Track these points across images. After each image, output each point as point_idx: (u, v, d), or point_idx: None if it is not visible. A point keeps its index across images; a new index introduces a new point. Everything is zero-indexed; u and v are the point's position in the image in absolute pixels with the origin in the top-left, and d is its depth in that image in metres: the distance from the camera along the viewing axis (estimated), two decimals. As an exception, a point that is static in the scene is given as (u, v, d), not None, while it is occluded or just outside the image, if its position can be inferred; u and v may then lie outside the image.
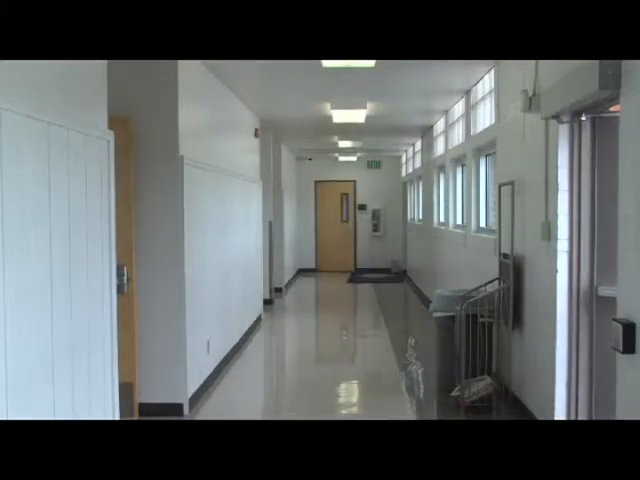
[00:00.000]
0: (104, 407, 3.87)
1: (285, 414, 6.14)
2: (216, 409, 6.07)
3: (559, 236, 4.57)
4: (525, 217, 5.51)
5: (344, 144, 14.39)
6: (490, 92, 7.20)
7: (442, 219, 11.07)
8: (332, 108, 9.16)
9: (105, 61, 3.95)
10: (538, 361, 5.15)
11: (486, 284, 6.31)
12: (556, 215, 4.59)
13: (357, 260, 18.52)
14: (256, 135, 10.29)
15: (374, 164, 18.37)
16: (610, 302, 3.73)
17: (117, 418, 4.03)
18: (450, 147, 10.03)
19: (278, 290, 12.94)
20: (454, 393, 5.97)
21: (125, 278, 5.20)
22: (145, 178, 5.61)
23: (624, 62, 3.24)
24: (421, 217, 13.81)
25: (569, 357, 4.56)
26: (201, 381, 6.34)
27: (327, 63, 6.41)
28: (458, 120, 9.35)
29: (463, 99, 8.85)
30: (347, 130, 11.85)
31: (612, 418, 3.45)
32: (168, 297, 5.71)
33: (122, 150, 4.93)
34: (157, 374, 5.68)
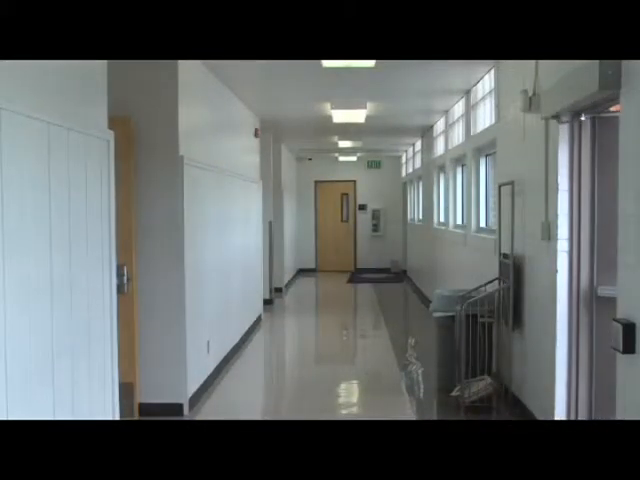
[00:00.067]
0: (104, 407, 3.87)
1: (285, 414, 6.14)
2: (216, 409, 6.07)
3: (559, 236, 4.57)
4: (525, 217, 5.51)
5: (344, 144, 14.39)
6: (490, 92, 7.20)
7: (442, 219, 11.07)
8: (332, 108, 9.16)
9: (105, 61, 3.94)
10: (538, 361, 5.15)
11: (486, 284, 6.31)
12: (556, 215, 4.59)
13: (357, 260, 18.52)
14: (256, 135, 10.29)
15: (374, 164, 18.37)
16: (610, 302, 3.73)
17: (117, 418, 4.03)
18: (450, 147, 10.03)
19: (278, 290, 12.94)
20: (454, 393, 5.97)
21: (125, 278, 5.20)
22: (145, 178, 5.62)
23: (624, 62, 3.24)
24: (421, 217, 13.81)
25: (569, 357, 4.56)
26: (201, 381, 6.34)
27: (327, 63, 6.40)
28: (458, 120, 9.35)
29: (463, 99, 8.85)
30: (347, 130, 11.85)
31: (612, 418, 3.45)
32: (168, 297, 5.71)
33: (122, 150, 4.93)
34: (157, 374, 5.68)
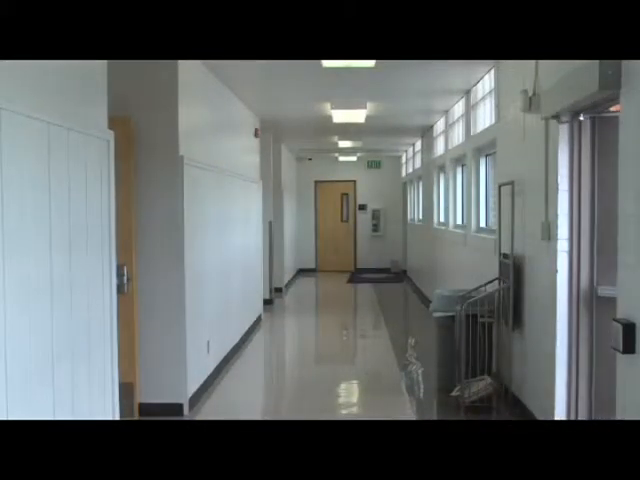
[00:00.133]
0: (104, 407, 3.87)
1: (285, 414, 6.14)
2: (216, 409, 6.07)
3: (559, 236, 4.57)
4: (525, 217, 5.51)
5: (344, 144, 14.39)
6: (490, 92, 7.20)
7: (442, 219, 11.07)
8: (332, 108, 9.16)
9: (105, 61, 3.94)
10: (538, 361, 5.15)
11: (486, 284, 6.31)
12: (556, 215, 4.59)
13: (357, 260, 18.52)
14: (256, 135, 10.29)
15: (374, 164, 18.37)
16: (610, 302, 3.73)
17: (117, 418, 4.03)
18: (450, 147, 10.03)
19: (278, 290, 12.94)
20: (454, 393, 5.97)
21: (125, 278, 5.20)
22: (145, 178, 5.62)
23: (624, 62, 3.24)
24: (421, 217, 13.81)
25: (569, 357, 4.56)
26: (201, 381, 6.34)
27: (327, 63, 6.40)
28: (458, 120, 9.35)
29: (463, 99, 8.85)
30: (347, 130, 11.85)
31: (612, 418, 3.45)
32: (168, 297, 5.71)
33: (122, 150, 4.93)
34: (157, 374, 5.68)
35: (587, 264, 4.45)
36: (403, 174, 17.59)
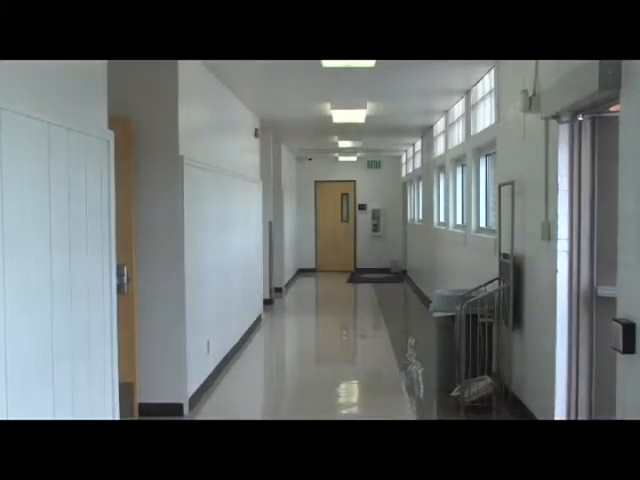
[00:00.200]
0: (104, 407, 3.87)
1: (285, 414, 6.14)
2: (216, 409, 6.07)
3: (559, 236, 4.57)
4: (525, 217, 5.51)
5: (344, 144, 14.39)
6: (490, 92, 7.20)
7: (442, 219, 11.07)
8: (332, 108, 9.16)
9: (105, 61, 3.95)
10: (538, 361, 5.15)
11: (486, 284, 6.31)
12: (556, 215, 4.59)
13: (357, 260, 18.52)
14: (256, 135, 10.29)
15: (374, 164, 18.37)
16: (610, 302, 3.73)
17: (117, 418, 4.03)
18: (450, 147, 10.03)
19: (278, 290, 12.94)
20: (454, 393, 5.97)
21: (125, 278, 5.20)
22: (145, 178, 5.62)
23: (624, 62, 3.24)
24: (421, 217, 13.81)
25: (569, 357, 4.56)
26: (201, 381, 6.34)
27: (327, 63, 6.40)
28: (458, 120, 9.35)
29: (463, 99, 8.85)
30: (347, 130, 11.85)
31: (612, 418, 3.45)
32: (168, 297, 5.71)
33: (122, 150, 4.93)
34: (157, 374, 5.68)
35: (587, 264, 4.45)
36: (403, 174, 17.59)
